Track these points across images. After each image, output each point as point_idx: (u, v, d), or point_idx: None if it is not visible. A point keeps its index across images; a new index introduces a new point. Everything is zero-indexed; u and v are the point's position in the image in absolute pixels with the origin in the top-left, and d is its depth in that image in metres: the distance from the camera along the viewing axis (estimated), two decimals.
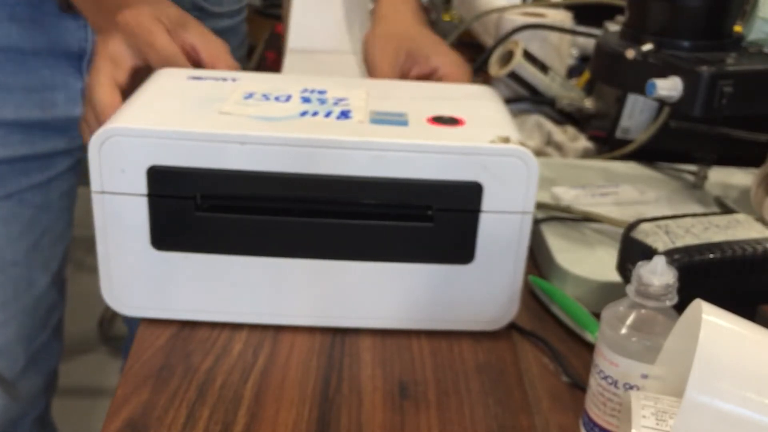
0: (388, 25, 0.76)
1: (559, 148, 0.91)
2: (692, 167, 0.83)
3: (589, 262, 0.63)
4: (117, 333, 1.92)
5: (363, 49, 0.75)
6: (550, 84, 0.96)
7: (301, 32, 0.91)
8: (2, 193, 0.80)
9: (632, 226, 0.55)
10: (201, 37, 0.68)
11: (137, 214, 0.53)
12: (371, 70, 0.73)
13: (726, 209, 0.75)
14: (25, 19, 0.76)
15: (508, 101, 0.96)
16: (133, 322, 1.10)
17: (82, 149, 0.86)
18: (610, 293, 0.57)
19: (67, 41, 0.79)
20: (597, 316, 0.55)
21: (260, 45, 1.42)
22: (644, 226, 0.54)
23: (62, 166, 0.85)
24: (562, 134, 0.92)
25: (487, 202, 0.53)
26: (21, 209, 0.82)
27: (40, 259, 0.85)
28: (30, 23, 0.77)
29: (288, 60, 0.89)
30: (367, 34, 0.75)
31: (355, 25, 0.92)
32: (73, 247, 0.93)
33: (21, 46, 0.77)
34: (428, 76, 0.73)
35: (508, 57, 0.97)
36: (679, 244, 0.52)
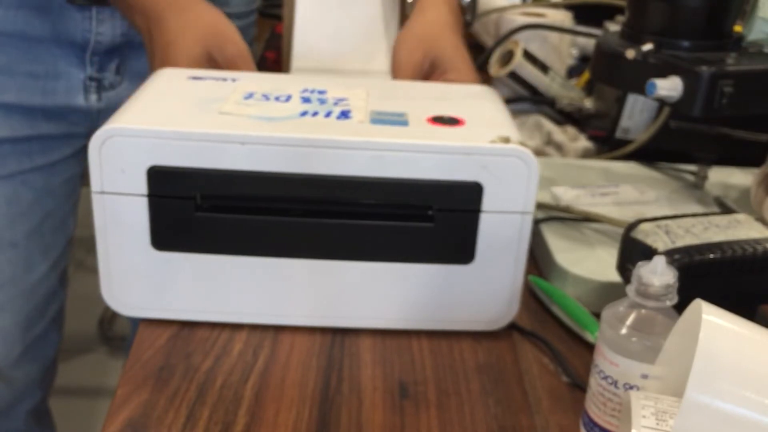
0: (423, 25, 0.75)
1: (559, 148, 0.91)
2: (692, 167, 0.83)
3: (589, 262, 0.63)
4: (117, 333, 1.92)
5: (394, 44, 0.75)
6: (550, 84, 0.96)
7: (306, 50, 0.91)
8: (4, 173, 0.80)
9: (632, 226, 0.55)
10: (239, 58, 0.69)
11: (137, 214, 0.53)
12: (395, 70, 0.73)
13: (726, 209, 0.75)
14: (32, 7, 0.77)
15: (508, 101, 0.96)
16: (136, 321, 1.10)
17: (84, 137, 0.87)
18: (610, 293, 0.57)
19: (72, 31, 0.80)
20: (597, 316, 0.55)
21: (260, 45, 1.42)
22: (644, 226, 0.54)
23: (65, 150, 0.86)
24: (562, 134, 0.92)
25: (487, 202, 0.53)
26: (23, 190, 0.82)
27: (41, 244, 0.86)
28: (37, 11, 0.78)
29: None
30: (401, 32, 0.75)
31: (362, 38, 0.92)
32: (73, 247, 0.93)
33: (26, 32, 0.78)
34: None
35: (508, 57, 0.97)
36: (679, 244, 0.52)
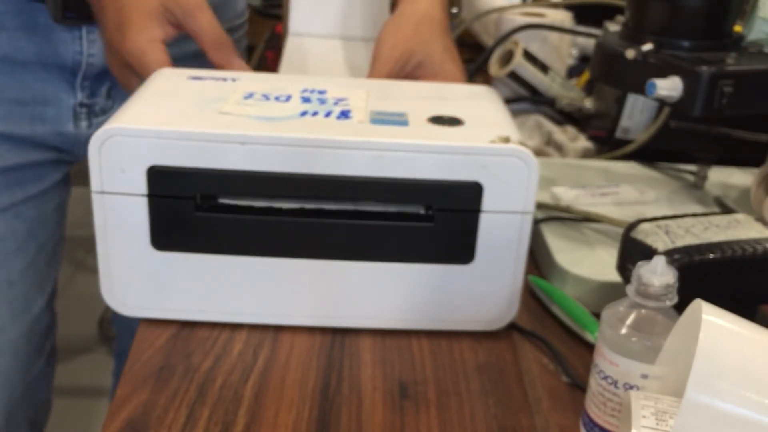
0: (413, 20, 0.72)
1: (559, 148, 0.91)
2: (692, 167, 0.83)
3: (589, 262, 0.63)
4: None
5: (380, 33, 0.72)
6: (550, 84, 0.96)
7: (303, 15, 0.91)
8: None
9: (632, 226, 0.55)
10: (211, 29, 0.66)
11: (137, 214, 0.53)
12: (372, 63, 0.71)
13: (726, 209, 0.75)
14: (15, 28, 0.72)
15: (508, 101, 0.96)
16: (122, 324, 1.06)
17: (72, 163, 0.83)
18: (610, 293, 0.57)
19: (61, 54, 0.75)
20: (597, 316, 0.55)
21: (260, 45, 1.42)
22: (644, 226, 0.54)
23: (56, 177, 0.82)
24: (562, 134, 0.92)
25: (487, 202, 0.53)
26: (17, 224, 0.78)
27: (36, 279, 0.81)
28: (21, 32, 0.72)
29: (289, 44, 0.89)
30: (387, 22, 0.73)
31: (359, 8, 0.92)
32: (73, 247, 0.92)
33: (10, 55, 0.73)
34: None
35: (508, 57, 0.97)
36: (679, 244, 0.52)
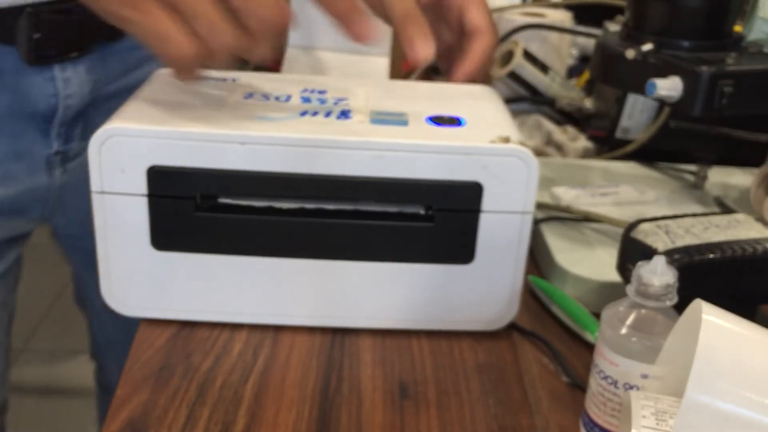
0: None
1: (559, 148, 0.91)
2: (692, 167, 0.83)
3: (589, 262, 0.63)
4: None
5: None
6: (550, 84, 0.96)
7: (303, 28, 0.91)
8: None
9: (632, 226, 0.55)
10: None
11: (137, 214, 0.53)
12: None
13: (726, 209, 0.75)
14: None
15: (508, 101, 0.96)
16: (106, 355, 0.98)
17: (39, 214, 0.74)
18: (610, 293, 0.57)
19: (33, 101, 0.65)
20: (597, 316, 0.55)
21: None
22: (644, 226, 0.54)
23: (21, 247, 0.73)
24: (562, 134, 0.92)
25: (487, 202, 0.53)
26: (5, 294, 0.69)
27: (5, 361, 0.73)
28: None
29: (288, 56, 0.89)
30: None
31: None
32: None
33: None
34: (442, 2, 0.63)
35: (508, 57, 0.97)
36: (679, 244, 0.52)
